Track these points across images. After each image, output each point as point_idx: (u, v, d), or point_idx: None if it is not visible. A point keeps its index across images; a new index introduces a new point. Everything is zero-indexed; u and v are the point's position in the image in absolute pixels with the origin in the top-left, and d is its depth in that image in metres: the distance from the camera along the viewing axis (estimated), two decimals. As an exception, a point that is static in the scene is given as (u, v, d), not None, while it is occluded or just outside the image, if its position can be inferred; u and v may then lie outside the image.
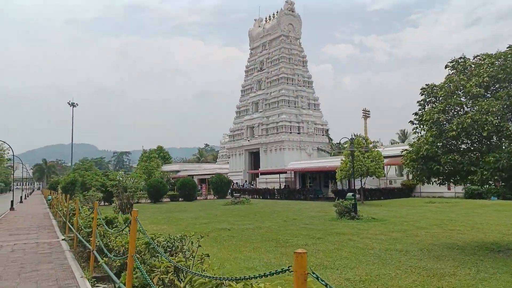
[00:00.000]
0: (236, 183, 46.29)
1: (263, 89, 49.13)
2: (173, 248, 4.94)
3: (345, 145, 49.94)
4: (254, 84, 50.74)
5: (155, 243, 4.68)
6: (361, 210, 18.64)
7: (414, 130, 10.39)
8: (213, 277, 2.69)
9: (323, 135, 48.29)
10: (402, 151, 10.76)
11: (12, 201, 30.65)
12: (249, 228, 15.11)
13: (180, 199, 36.76)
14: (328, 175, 38.03)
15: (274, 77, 47.73)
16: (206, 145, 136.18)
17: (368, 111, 60.01)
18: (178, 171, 59.89)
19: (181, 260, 4.17)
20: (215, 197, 40.39)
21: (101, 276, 7.28)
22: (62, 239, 12.19)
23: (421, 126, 10.13)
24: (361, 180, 26.86)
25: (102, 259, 6.54)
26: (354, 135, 60.18)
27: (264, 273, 2.12)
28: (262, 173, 44.26)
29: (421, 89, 10.23)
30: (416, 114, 10.30)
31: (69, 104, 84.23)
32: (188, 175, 46.23)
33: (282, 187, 39.43)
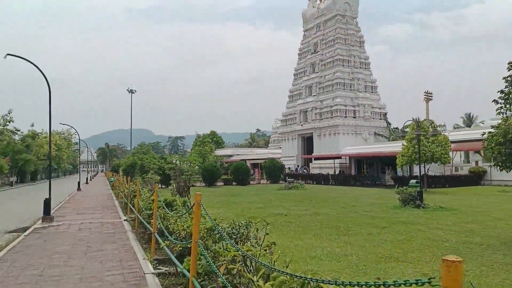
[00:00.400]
0: (289, 168, 45.81)
1: (317, 72, 47.68)
2: (238, 235, 4.57)
3: (406, 129, 47.57)
4: (307, 67, 49.41)
5: (220, 229, 4.34)
6: (426, 198, 17.39)
7: (499, 111, 9.17)
8: (298, 276, 2.22)
9: (380, 119, 46.06)
10: (483, 134, 9.58)
11: (79, 182, 32.71)
12: (306, 214, 14.63)
13: (234, 183, 37.06)
14: (386, 161, 36.27)
15: (328, 59, 46.07)
16: (258, 130, 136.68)
17: (431, 93, 56.25)
18: (231, 156, 60.58)
19: (250, 249, 3.77)
20: (268, 182, 40.26)
21: (162, 258, 7.19)
22: (124, 220, 12.50)
23: (508, 106, 8.90)
24: (424, 166, 25.17)
25: (164, 242, 6.40)
26: (414, 119, 57.08)
27: (384, 282, 1.58)
28: (316, 158, 43.32)
29: (509, 63, 8.96)
30: (501, 92, 9.06)
31: (128, 91, 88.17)
32: (241, 160, 46.48)
33: (337, 172, 38.33)
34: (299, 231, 10.64)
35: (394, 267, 6.96)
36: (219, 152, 61.46)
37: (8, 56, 12.74)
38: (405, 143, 26.41)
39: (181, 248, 6.20)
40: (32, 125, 55.39)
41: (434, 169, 30.53)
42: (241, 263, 3.72)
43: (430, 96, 57.14)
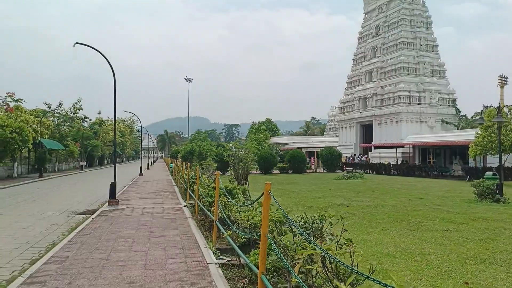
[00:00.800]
0: (346, 157, 44.34)
1: (378, 56, 45.26)
2: (312, 230, 4.10)
3: (478, 116, 43.73)
4: (368, 52, 47.07)
5: (293, 223, 3.89)
6: (505, 192, 15.69)
7: None
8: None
9: (448, 105, 42.76)
10: None
11: (141, 168, 34.13)
12: (370, 205, 13.83)
13: (290, 171, 36.60)
14: (455, 150, 33.69)
15: (391, 42, 43.47)
16: (313, 118, 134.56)
17: (506, 78, 51.21)
18: (286, 144, 60.02)
19: (330, 248, 3.29)
20: (324, 171, 39.30)
21: (224, 248, 6.95)
22: (184, 206, 12.57)
23: None
24: (500, 157, 22.87)
25: (227, 232, 6.12)
26: (483, 105, 52.30)
27: None
28: (376, 147, 41.43)
29: None
30: None
31: (185, 79, 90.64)
32: (297, 148, 45.80)
33: (399, 162, 36.35)
34: (365, 224, 9.96)
35: (482, 270, 6.12)
36: (274, 140, 61.20)
37: (76, 45, 13.20)
38: (479, 131, 24.21)
39: (245, 239, 5.88)
40: (99, 113, 58.89)
41: (511, 160, 27.75)
42: (320, 264, 3.25)
43: (505, 81, 52.11)
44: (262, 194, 4.33)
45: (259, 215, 5.77)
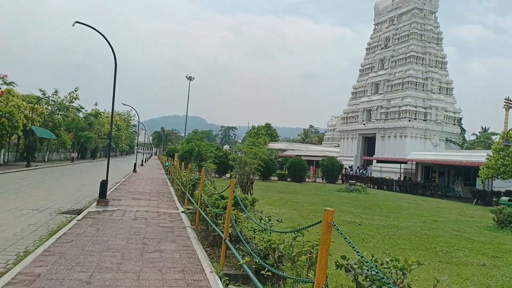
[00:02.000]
0: (346, 168, 43.21)
1: (386, 68, 44.30)
2: (384, 281, 2.87)
3: (475, 140, 42.84)
4: (375, 63, 46.11)
5: (375, 274, 2.68)
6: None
7: None
8: None
9: (454, 124, 41.87)
10: None
11: (135, 164, 32.69)
12: (383, 225, 12.66)
13: (288, 179, 35.38)
14: (459, 171, 32.66)
15: (400, 55, 42.53)
16: (311, 126, 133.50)
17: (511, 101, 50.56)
18: (284, 150, 58.80)
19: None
20: (324, 181, 38.12)
21: (233, 273, 5.70)
22: (182, 212, 11.27)
23: None
24: (514, 182, 21.88)
25: (243, 259, 4.87)
26: (483, 128, 51.06)
27: None
28: (379, 161, 40.32)
29: None
30: None
31: (186, 77, 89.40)
32: (296, 155, 44.59)
33: (401, 178, 35.26)
34: (387, 250, 8.71)
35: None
36: (273, 145, 59.98)
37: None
38: (491, 153, 23.19)
39: (265, 270, 4.63)
40: (96, 104, 57.29)
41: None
42: None
43: (511, 104, 51.45)
44: (318, 222, 3.09)
45: (289, 243, 4.54)
